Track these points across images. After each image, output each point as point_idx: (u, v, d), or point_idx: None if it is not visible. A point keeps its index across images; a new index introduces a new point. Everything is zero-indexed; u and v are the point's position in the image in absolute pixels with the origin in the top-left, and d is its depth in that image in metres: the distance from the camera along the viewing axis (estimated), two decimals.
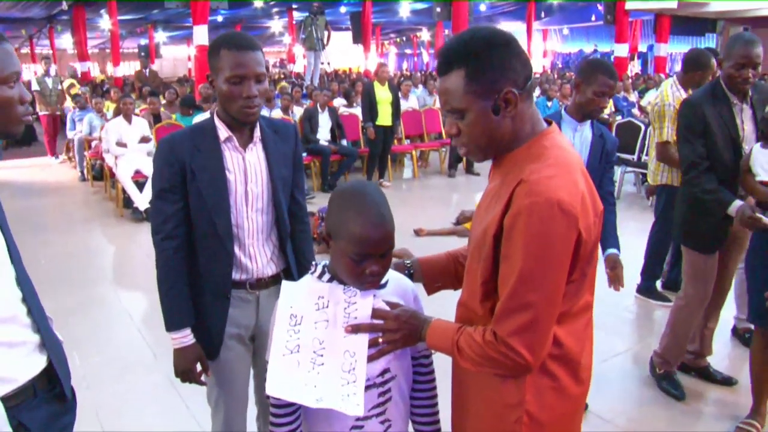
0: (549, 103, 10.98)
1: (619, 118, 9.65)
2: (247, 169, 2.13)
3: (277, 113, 9.46)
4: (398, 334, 1.60)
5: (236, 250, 2.15)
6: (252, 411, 2.47)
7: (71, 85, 14.41)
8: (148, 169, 7.72)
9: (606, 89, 3.01)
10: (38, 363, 1.58)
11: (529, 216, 1.35)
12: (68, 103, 12.21)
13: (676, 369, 3.67)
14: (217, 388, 2.28)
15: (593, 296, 1.59)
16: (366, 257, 1.57)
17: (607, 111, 11.42)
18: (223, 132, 2.10)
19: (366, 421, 1.68)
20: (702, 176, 3.20)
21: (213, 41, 2.06)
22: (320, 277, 1.68)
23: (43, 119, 11.99)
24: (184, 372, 2.17)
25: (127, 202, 7.81)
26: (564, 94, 10.80)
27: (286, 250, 2.27)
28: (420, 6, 24.49)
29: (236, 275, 2.18)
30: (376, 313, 1.61)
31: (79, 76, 18.56)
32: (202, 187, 2.07)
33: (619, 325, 4.60)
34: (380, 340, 1.61)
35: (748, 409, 3.23)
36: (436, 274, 1.87)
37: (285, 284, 1.68)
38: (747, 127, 3.25)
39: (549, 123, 1.56)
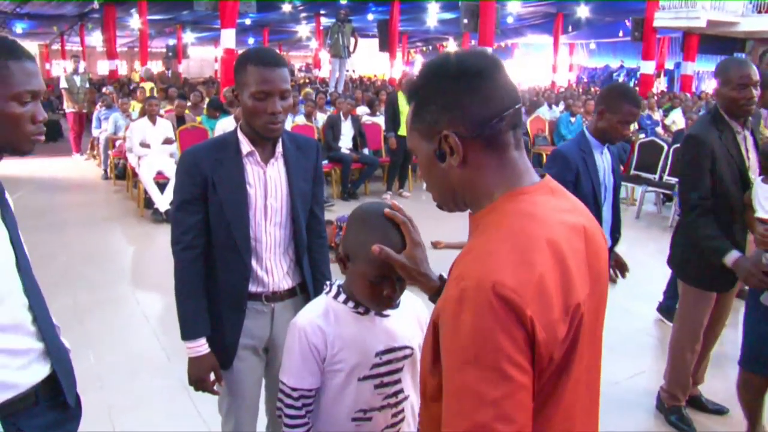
0: (572, 119, 10.94)
1: (642, 137, 9.58)
2: (267, 184, 2.15)
3: (300, 119, 9.51)
4: None
5: (253, 263, 2.18)
6: (262, 421, 2.48)
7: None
8: (170, 171, 7.80)
9: (631, 118, 2.96)
10: (41, 371, 1.60)
11: (457, 307, 1.02)
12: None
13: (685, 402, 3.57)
14: (229, 397, 2.30)
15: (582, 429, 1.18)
16: (384, 279, 1.57)
17: (631, 128, 11.36)
18: (245, 146, 2.13)
19: None
20: (701, 219, 3.04)
21: (240, 56, 2.09)
22: (336, 297, 1.69)
23: (70, 116, 12.16)
24: (198, 381, 2.20)
25: (148, 202, 7.89)
26: (588, 111, 10.74)
27: (303, 264, 2.29)
28: (447, 16, 24.52)
29: (252, 287, 2.20)
30: None
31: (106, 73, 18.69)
32: (223, 200, 2.10)
33: (637, 345, 4.55)
34: None
35: None
36: None
37: None
38: (752, 155, 3.16)
39: (542, 177, 1.22)
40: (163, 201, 7.59)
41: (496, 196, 1.15)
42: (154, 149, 7.90)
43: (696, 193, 3.06)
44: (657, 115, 12.19)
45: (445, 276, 1.43)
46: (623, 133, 2.96)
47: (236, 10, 12.28)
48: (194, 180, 2.10)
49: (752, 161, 3.14)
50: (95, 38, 27.07)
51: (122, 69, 28.35)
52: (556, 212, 1.14)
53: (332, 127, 9.06)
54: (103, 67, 27.59)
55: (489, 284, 0.99)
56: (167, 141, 8.02)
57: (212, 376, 2.22)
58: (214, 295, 2.19)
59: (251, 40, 33.80)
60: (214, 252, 2.17)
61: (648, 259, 6.05)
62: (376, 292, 1.59)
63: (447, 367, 1.04)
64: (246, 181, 2.12)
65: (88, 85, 12.25)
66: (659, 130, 10.94)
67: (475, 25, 15.02)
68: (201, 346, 2.17)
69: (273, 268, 2.22)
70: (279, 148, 2.18)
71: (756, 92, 3.03)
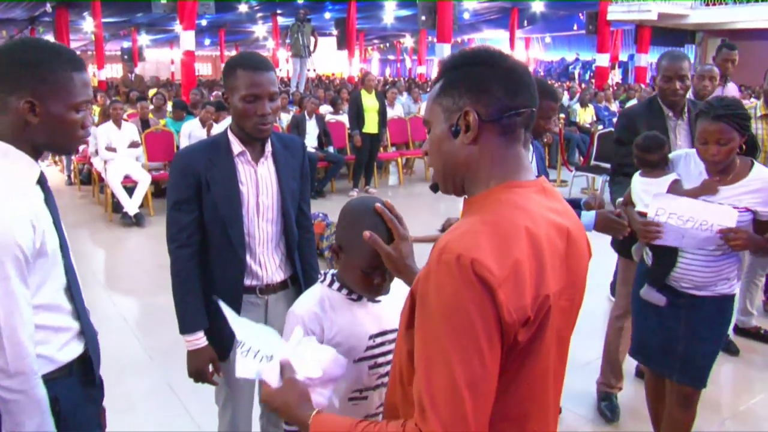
0: None
1: (600, 128, 9.86)
2: (258, 182, 2.25)
3: None
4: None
5: (247, 257, 2.27)
6: (256, 410, 2.57)
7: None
8: (137, 175, 7.80)
9: (551, 113, 2.87)
10: (77, 349, 1.73)
11: (435, 277, 1.11)
12: None
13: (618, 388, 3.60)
14: (226, 387, 2.39)
15: (541, 418, 1.27)
16: (375, 269, 1.68)
17: (588, 120, 11.66)
18: (236, 146, 2.22)
19: (374, 419, 1.79)
20: (616, 177, 3.29)
21: (229, 60, 2.19)
22: (330, 285, 1.80)
23: None
24: (198, 372, 2.28)
25: (116, 206, 7.85)
26: None
27: (294, 257, 2.39)
28: (404, 13, 24.69)
29: (247, 281, 2.30)
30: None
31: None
32: (217, 199, 2.19)
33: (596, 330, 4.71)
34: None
35: None
36: None
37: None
38: (680, 142, 3.28)
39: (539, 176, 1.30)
40: (132, 205, 7.57)
41: (491, 184, 1.23)
42: (121, 153, 7.86)
43: (619, 158, 3.32)
44: (614, 107, 12.53)
45: None
46: (545, 127, 2.87)
47: (195, 12, 12.24)
48: (188, 180, 2.18)
49: (679, 148, 3.21)
50: None
51: None
52: (543, 209, 1.23)
53: (297, 127, 9.12)
54: None
55: (468, 260, 1.08)
56: (133, 145, 7.99)
57: (210, 368, 2.30)
58: (210, 289, 2.27)
59: (207, 41, 33.55)
60: (210, 248, 2.26)
61: (604, 245, 6.23)
62: (367, 281, 1.70)
63: (422, 331, 1.13)
64: (238, 180, 2.22)
65: None
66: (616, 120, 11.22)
67: (433, 22, 15.23)
68: (199, 339, 2.26)
69: (266, 262, 2.31)
70: (268, 148, 2.28)
71: (680, 85, 3.15)
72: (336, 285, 1.79)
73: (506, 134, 1.23)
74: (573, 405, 3.60)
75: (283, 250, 2.37)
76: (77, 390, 1.73)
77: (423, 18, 15.25)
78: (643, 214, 2.72)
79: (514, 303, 1.10)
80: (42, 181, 1.65)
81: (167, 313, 4.56)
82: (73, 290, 1.71)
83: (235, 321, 1.55)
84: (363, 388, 1.78)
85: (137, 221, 7.57)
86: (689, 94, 3.44)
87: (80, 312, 1.73)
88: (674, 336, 2.72)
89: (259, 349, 1.48)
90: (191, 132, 8.06)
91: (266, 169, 2.27)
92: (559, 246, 1.22)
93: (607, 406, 3.55)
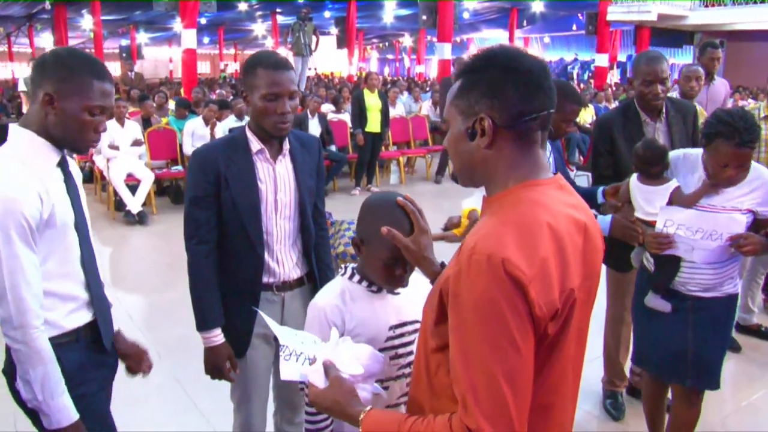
0: None
1: None
2: (277, 180, 2.27)
3: None
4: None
5: (266, 255, 2.29)
6: (270, 408, 2.58)
7: None
8: (140, 173, 7.82)
9: (573, 116, 2.92)
10: (84, 317, 1.91)
11: (467, 277, 1.16)
12: None
13: (624, 389, 3.62)
14: (242, 384, 2.40)
15: (562, 408, 1.33)
16: (396, 261, 1.72)
17: (588, 120, 11.70)
18: (255, 144, 2.24)
19: (395, 408, 1.85)
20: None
21: (249, 59, 2.22)
22: (351, 278, 1.84)
23: None
24: (215, 369, 2.30)
25: (119, 205, 7.87)
26: None
27: (310, 255, 2.42)
28: (404, 12, 24.72)
29: (264, 278, 2.32)
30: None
31: None
32: (236, 196, 2.21)
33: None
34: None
35: None
36: None
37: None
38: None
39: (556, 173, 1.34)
40: (135, 203, 7.59)
41: (510, 184, 1.27)
42: (123, 151, 7.87)
43: (597, 168, 3.27)
44: (613, 107, 12.55)
45: (447, 263, 1.61)
46: (566, 130, 2.93)
47: (197, 10, 12.26)
48: (208, 177, 2.20)
49: None
50: (44, 39, 26.58)
51: None
52: (562, 205, 1.27)
53: (300, 125, 9.12)
54: None
55: (499, 260, 1.12)
56: (136, 143, 7.99)
57: (227, 365, 2.32)
58: (227, 286, 2.29)
59: (206, 40, 33.50)
60: (227, 245, 2.28)
61: None
62: (389, 272, 1.75)
63: (458, 330, 1.18)
64: (257, 177, 2.24)
65: None
66: None
67: (434, 22, 15.27)
68: (216, 336, 2.27)
69: (283, 260, 2.34)
70: (286, 146, 2.30)
71: (662, 88, 3.06)
72: (357, 278, 1.84)
73: (522, 138, 1.26)
74: (579, 401, 3.60)
75: (300, 247, 2.39)
76: (83, 354, 1.90)
77: (424, 17, 15.30)
78: (651, 224, 2.68)
79: (544, 298, 1.15)
80: (63, 165, 1.87)
81: (173, 309, 4.68)
82: (86, 263, 1.90)
83: (277, 328, 1.63)
84: (384, 378, 1.81)
85: (140, 219, 7.58)
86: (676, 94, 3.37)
87: (91, 284, 1.92)
88: (682, 341, 2.69)
89: (302, 352, 1.55)
90: (194, 130, 8.08)
91: (284, 167, 2.30)
92: (578, 240, 1.26)
93: (611, 404, 3.57)
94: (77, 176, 1.97)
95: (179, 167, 8.35)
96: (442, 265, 1.68)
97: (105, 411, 2.06)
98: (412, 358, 1.84)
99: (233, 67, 34.94)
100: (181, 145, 8.40)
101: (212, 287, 2.27)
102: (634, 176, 2.79)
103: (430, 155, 10.82)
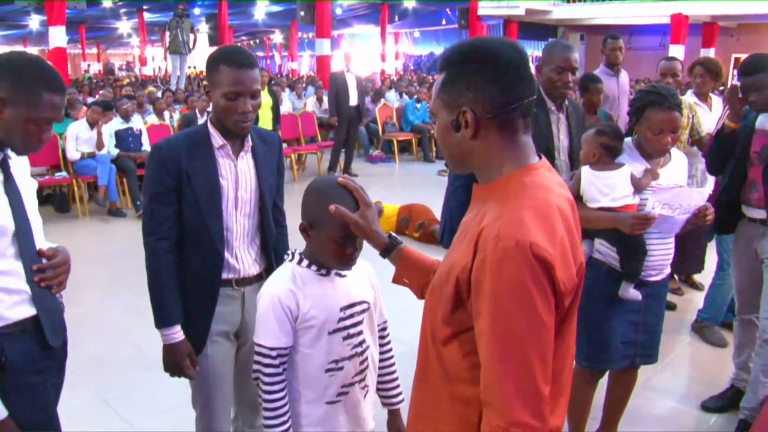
0: (418, 105, 11.53)
1: None
2: (238, 176, 2.26)
3: (152, 119, 9.25)
4: None
5: (225, 251, 2.27)
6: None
7: None
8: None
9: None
10: (27, 311, 1.91)
11: (497, 264, 1.20)
12: None
13: None
14: (205, 388, 2.36)
15: (568, 374, 1.42)
16: (347, 240, 1.79)
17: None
18: (217, 140, 2.21)
19: (350, 387, 1.93)
20: None
21: (212, 54, 2.17)
22: (299, 263, 1.90)
23: None
24: (174, 366, 2.26)
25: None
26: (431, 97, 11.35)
27: (269, 251, 2.42)
28: (275, 9, 24.49)
29: (224, 274, 2.30)
30: None
31: None
32: (198, 192, 2.18)
33: None
34: None
35: None
36: (412, 269, 1.79)
37: None
38: (562, 137, 3.18)
39: (540, 157, 1.40)
40: None
41: (505, 171, 1.33)
42: None
43: None
44: None
45: (394, 235, 1.80)
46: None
47: (65, 6, 11.58)
48: (169, 171, 2.15)
49: (561, 143, 3.17)
50: None
51: None
52: (558, 186, 1.36)
53: (188, 125, 8.91)
54: None
55: (527, 244, 1.19)
56: None
57: (187, 362, 2.27)
58: (186, 282, 2.26)
59: (66, 38, 31.63)
60: (187, 241, 2.24)
61: None
62: (341, 252, 1.81)
63: (488, 316, 1.23)
64: (219, 173, 2.21)
65: None
66: None
67: (312, 18, 15.28)
68: (176, 333, 2.23)
69: (243, 256, 2.32)
70: (248, 142, 2.28)
71: (572, 77, 3.09)
72: (305, 262, 1.89)
73: (505, 127, 1.32)
74: None
75: (258, 243, 2.39)
76: (28, 345, 1.91)
77: (302, 14, 15.27)
78: (618, 210, 2.64)
79: (566, 275, 1.24)
80: (4, 165, 1.88)
81: (81, 325, 4.36)
82: (25, 260, 1.89)
83: None
84: (339, 358, 1.90)
85: None
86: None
87: (30, 281, 1.91)
88: (634, 327, 2.78)
89: None
90: (78, 134, 7.69)
91: (246, 163, 2.28)
92: (575, 218, 1.37)
93: None
94: (24, 175, 1.97)
95: (64, 173, 7.86)
96: (390, 236, 1.79)
97: (49, 403, 2.03)
98: (362, 338, 1.94)
99: (96, 68, 33.23)
100: (63, 150, 7.93)
101: (172, 284, 2.23)
102: (585, 168, 2.76)
103: (320, 151, 10.83)
